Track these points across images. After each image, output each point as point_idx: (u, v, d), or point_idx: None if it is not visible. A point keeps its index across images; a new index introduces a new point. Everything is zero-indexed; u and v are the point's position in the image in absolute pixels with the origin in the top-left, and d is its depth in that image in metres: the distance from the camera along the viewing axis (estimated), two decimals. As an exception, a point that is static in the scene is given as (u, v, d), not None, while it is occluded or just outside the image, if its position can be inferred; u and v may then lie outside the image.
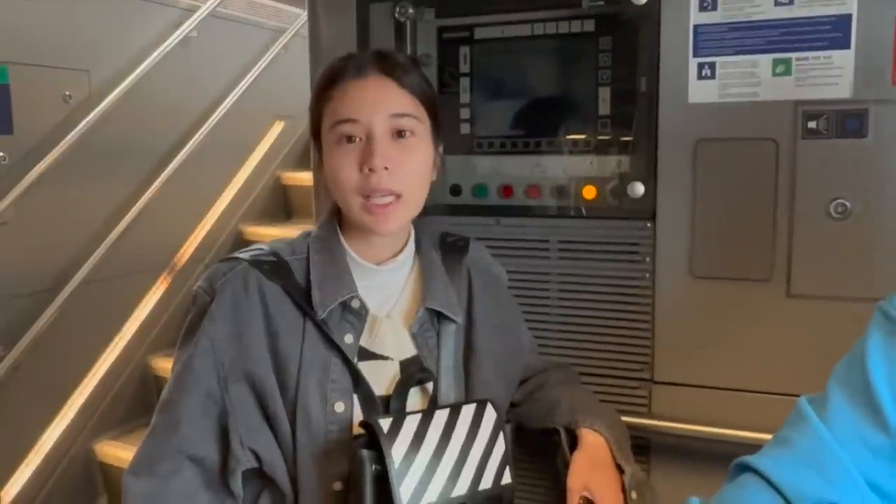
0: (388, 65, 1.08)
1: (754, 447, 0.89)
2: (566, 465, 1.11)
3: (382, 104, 1.05)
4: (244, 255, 1.10)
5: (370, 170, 1.02)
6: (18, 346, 2.46)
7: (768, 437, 0.90)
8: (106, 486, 2.82)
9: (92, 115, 2.65)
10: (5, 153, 2.45)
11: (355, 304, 1.08)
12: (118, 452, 2.75)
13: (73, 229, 2.70)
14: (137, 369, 2.96)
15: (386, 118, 1.04)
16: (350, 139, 1.05)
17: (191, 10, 3.11)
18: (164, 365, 2.97)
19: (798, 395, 0.88)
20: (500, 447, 1.04)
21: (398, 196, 1.04)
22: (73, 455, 2.71)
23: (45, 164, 2.51)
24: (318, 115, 1.10)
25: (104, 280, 2.75)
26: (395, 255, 1.13)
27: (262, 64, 3.45)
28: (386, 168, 1.03)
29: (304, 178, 3.60)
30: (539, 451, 1.32)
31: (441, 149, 1.16)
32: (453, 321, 1.13)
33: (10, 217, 2.44)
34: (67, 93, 2.65)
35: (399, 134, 1.05)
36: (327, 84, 1.09)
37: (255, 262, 1.08)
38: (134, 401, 2.95)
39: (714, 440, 1.28)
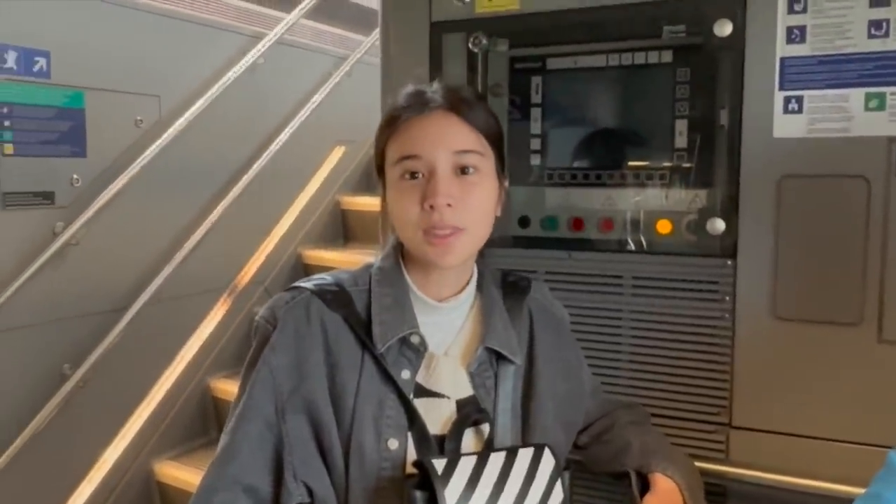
0: (452, 100, 1.06)
1: (838, 500, 0.85)
2: (635, 511, 1.07)
3: (446, 140, 1.03)
4: (307, 284, 1.10)
5: (431, 206, 1.01)
6: (86, 363, 2.51)
7: (852, 489, 0.86)
8: (164, 506, 2.85)
9: (162, 138, 2.71)
10: (79, 175, 2.52)
11: (415, 339, 1.06)
12: (177, 473, 2.78)
13: (141, 250, 2.76)
14: (197, 390, 3.00)
15: (449, 154, 1.03)
16: (413, 175, 1.03)
17: (258, 38, 3.17)
18: (222, 386, 3.00)
19: (888, 447, 0.84)
20: (557, 495, 1.00)
21: (461, 229, 1.03)
22: (132, 474, 2.74)
23: (117, 186, 2.57)
24: (382, 151, 1.10)
25: (168, 300, 2.80)
26: (457, 293, 1.11)
27: (325, 90, 3.50)
28: (449, 205, 1.01)
29: (363, 202, 3.63)
30: (605, 496, 1.28)
31: (506, 183, 1.13)
32: (512, 362, 1.10)
33: (82, 237, 2.51)
34: (139, 117, 2.72)
35: (462, 170, 1.04)
36: (391, 120, 1.08)
37: (318, 292, 1.07)
38: (193, 421, 2.98)
39: (795, 491, 1.23)
